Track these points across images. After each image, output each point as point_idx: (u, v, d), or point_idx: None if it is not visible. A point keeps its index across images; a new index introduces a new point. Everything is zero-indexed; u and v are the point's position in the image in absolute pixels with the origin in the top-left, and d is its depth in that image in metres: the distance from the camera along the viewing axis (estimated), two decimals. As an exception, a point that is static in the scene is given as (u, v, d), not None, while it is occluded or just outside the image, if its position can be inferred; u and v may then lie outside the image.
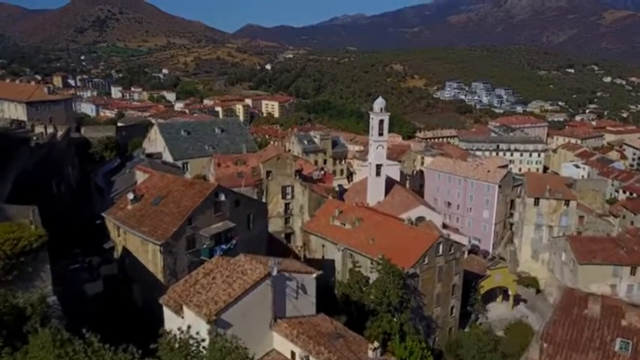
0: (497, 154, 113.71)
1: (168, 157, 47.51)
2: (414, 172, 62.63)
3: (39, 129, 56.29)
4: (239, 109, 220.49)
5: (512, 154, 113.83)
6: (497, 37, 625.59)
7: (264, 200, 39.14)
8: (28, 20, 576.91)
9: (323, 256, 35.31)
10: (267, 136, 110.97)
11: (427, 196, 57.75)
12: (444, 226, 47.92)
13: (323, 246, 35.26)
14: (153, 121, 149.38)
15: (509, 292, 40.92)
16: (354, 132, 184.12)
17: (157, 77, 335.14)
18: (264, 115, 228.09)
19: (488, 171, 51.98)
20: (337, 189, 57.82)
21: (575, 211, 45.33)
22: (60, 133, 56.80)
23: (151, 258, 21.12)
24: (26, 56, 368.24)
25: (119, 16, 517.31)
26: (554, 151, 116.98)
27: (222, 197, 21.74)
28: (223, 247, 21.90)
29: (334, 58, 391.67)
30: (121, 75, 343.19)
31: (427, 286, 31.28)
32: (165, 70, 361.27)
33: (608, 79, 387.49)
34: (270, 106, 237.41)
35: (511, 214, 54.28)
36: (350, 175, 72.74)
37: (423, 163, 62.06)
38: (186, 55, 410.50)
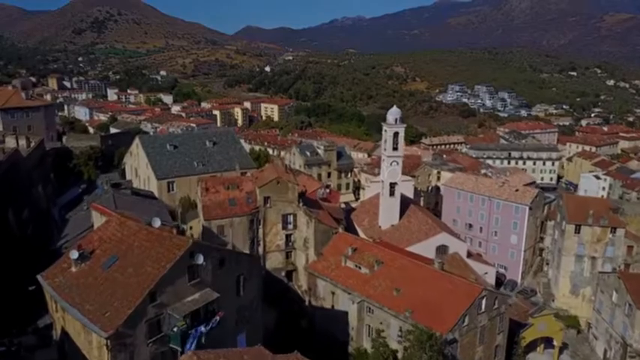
0: (508, 162, 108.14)
1: (151, 174, 41.07)
2: (430, 188, 56.38)
3: (10, 140, 49.91)
4: (237, 112, 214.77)
5: (524, 163, 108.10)
6: (498, 40, 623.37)
7: (260, 230, 32.75)
8: (26, 21, 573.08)
9: (333, 306, 28.93)
10: (265, 144, 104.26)
11: (445, 216, 51.46)
12: (469, 254, 41.65)
13: (333, 293, 28.84)
14: (145, 127, 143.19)
15: (555, 342, 34.68)
16: (356, 137, 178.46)
17: (155, 79, 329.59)
18: (264, 118, 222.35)
19: (517, 190, 45.82)
20: (343, 206, 51.57)
21: (623, 240, 39.20)
22: (32, 144, 50.44)
23: (97, 353, 14.82)
24: (23, 57, 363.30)
25: (117, 18, 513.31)
26: (569, 159, 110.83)
27: (200, 259, 15.51)
28: (202, 329, 15.65)
29: (334, 60, 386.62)
30: (118, 77, 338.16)
31: (467, 351, 24.90)
32: (163, 72, 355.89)
33: (611, 82, 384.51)
34: (270, 109, 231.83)
35: (541, 239, 48.07)
36: (356, 190, 66.36)
37: (439, 179, 55.86)
38: (184, 56, 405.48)
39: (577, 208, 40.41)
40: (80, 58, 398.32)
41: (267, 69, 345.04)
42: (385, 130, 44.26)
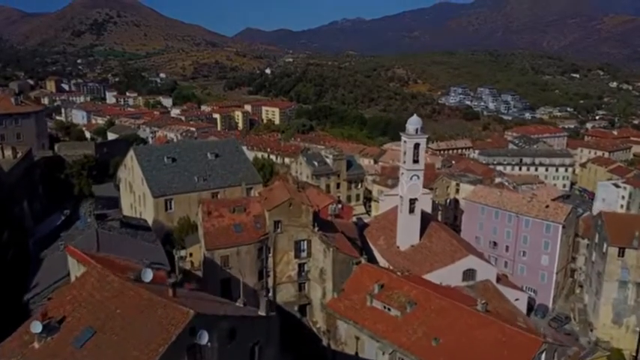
0: (520, 168, 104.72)
1: (146, 191, 37.03)
2: (448, 201, 52.50)
3: (-6, 151, 45.94)
4: (238, 115, 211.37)
5: (536, 169, 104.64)
6: (498, 42, 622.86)
7: (270, 259, 28.67)
8: (25, 23, 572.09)
9: (357, 353, 24.88)
10: (268, 150, 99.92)
11: (466, 232, 47.51)
12: (498, 279, 37.67)
13: (357, 338, 24.76)
14: (143, 132, 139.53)
15: (605, 387, 30.84)
16: (360, 141, 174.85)
17: (154, 82, 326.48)
18: (265, 121, 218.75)
19: (547, 206, 41.92)
20: (354, 220, 47.55)
21: (673, 265, 35.28)
22: (19, 155, 46.51)
23: None
24: (22, 59, 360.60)
25: (117, 20, 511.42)
26: (583, 165, 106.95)
27: (205, 338, 11.51)
28: None
29: (335, 62, 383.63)
30: (117, 79, 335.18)
31: (520, 415, 20.91)
32: (162, 74, 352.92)
33: (614, 84, 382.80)
34: (271, 113, 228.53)
35: (573, 258, 44.16)
36: (367, 201, 62.42)
37: (457, 191, 52.01)
38: (184, 58, 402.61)
39: (620, 228, 36.51)
40: (79, 60, 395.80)
41: (268, 71, 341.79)
42: (404, 141, 40.37)
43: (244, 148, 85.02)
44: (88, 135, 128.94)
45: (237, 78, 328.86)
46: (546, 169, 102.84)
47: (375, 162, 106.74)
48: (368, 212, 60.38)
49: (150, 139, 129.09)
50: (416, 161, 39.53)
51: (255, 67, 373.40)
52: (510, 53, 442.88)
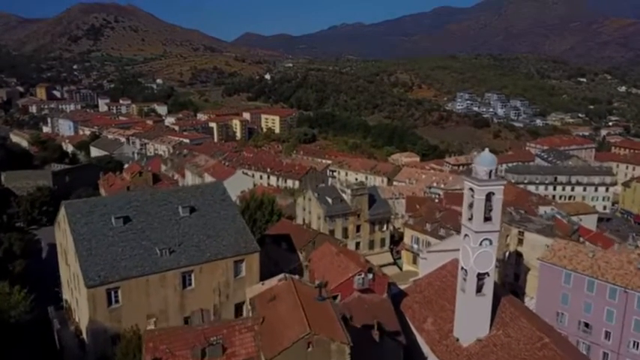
0: (554, 188, 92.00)
1: (79, 275, 23.75)
2: (507, 254, 39.63)
3: None
4: (236, 124, 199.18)
5: (572, 189, 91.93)
6: (499, 46, 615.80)
7: None
8: (22, 28, 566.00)
9: None
10: (268, 170, 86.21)
11: (541, 305, 34.41)
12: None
13: None
14: (128, 148, 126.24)
15: None
16: (366, 152, 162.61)
17: (150, 88, 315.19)
18: (264, 130, 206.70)
19: (668, 276, 29.24)
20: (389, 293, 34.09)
21: None
22: None
23: None
24: (18, 65, 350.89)
25: (114, 25, 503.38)
26: (626, 184, 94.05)
27: None
28: None
29: (335, 67, 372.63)
30: (112, 85, 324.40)
31: None
32: (159, 80, 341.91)
33: (622, 89, 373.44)
34: (271, 121, 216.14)
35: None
36: (393, 247, 49.28)
37: (521, 242, 39.16)
38: (182, 64, 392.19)
39: None
40: (75, 66, 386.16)
41: (267, 77, 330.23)
42: (469, 189, 27.17)
43: (239, 171, 72.26)
44: (69, 149, 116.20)
45: (236, 84, 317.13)
46: (584, 189, 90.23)
47: (389, 181, 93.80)
48: (396, 262, 47.23)
49: (136, 155, 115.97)
50: (488, 218, 26.37)
51: (255, 73, 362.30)
52: (514, 57, 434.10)
